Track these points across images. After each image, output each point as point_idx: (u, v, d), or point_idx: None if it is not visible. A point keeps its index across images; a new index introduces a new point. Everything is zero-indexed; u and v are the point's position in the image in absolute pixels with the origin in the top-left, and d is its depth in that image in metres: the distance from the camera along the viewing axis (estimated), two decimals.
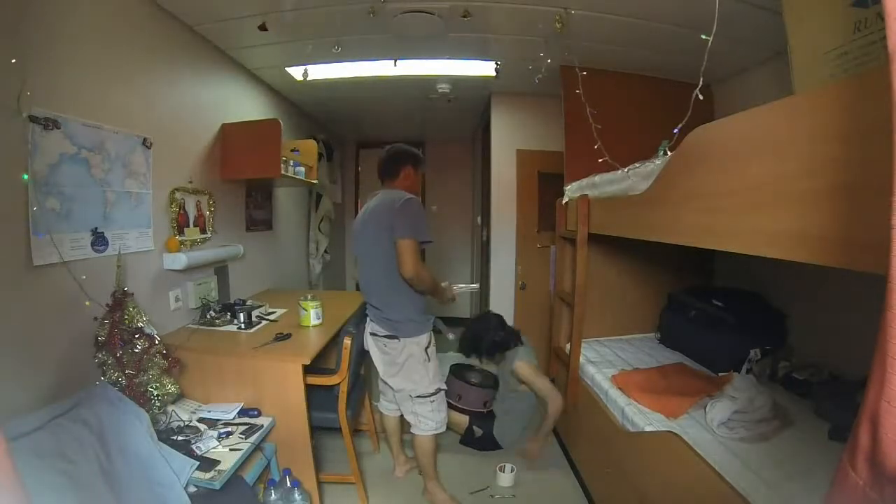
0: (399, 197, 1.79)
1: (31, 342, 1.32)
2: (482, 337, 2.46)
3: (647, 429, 1.59)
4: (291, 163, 2.63)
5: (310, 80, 2.79)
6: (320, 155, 3.53)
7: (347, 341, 1.86)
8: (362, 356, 2.12)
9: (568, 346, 2.34)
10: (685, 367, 2.04)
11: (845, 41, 1.12)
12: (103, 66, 1.59)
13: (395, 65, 2.56)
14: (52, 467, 1.12)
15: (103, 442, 1.27)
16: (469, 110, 3.79)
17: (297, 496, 1.69)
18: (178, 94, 2.06)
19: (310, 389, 1.79)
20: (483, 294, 4.02)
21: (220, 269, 2.42)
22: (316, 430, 1.87)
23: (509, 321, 3.46)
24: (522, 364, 2.37)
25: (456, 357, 4.00)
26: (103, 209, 1.59)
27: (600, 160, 1.84)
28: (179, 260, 1.93)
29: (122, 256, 1.59)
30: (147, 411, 1.44)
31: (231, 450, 1.52)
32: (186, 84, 2.13)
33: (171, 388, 1.57)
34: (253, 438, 1.60)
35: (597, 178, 2.00)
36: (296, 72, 2.75)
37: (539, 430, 2.37)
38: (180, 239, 2.02)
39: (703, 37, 1.27)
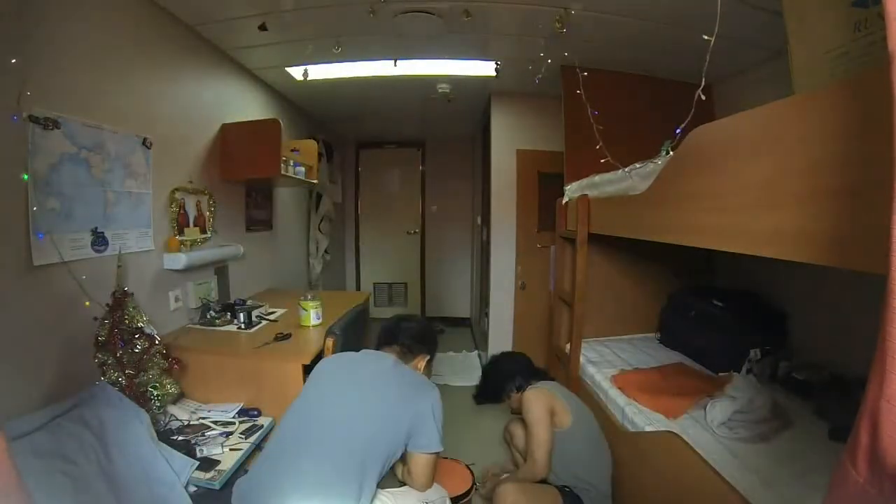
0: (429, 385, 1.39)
1: (32, 342, 1.32)
2: (501, 384, 1.94)
3: (647, 429, 1.59)
4: (291, 163, 2.63)
5: (310, 80, 2.79)
6: (320, 155, 3.53)
7: (329, 343, 1.81)
8: None
9: (568, 346, 2.34)
10: (685, 368, 2.05)
11: (845, 41, 1.12)
12: (103, 65, 1.59)
13: (395, 65, 2.56)
14: (52, 467, 1.12)
15: (103, 442, 1.27)
16: (469, 110, 3.79)
17: None
18: (178, 94, 2.06)
19: None
20: (483, 294, 4.02)
21: (220, 269, 2.42)
22: None
23: (509, 321, 3.49)
24: (533, 392, 1.76)
25: (453, 356, 4.03)
26: (103, 209, 1.59)
27: (602, 160, 1.84)
28: (179, 260, 1.93)
29: (122, 256, 1.59)
30: (147, 411, 1.44)
31: (231, 450, 1.52)
32: (186, 84, 2.13)
33: (171, 388, 1.58)
34: (253, 438, 1.60)
35: (597, 178, 2.01)
36: (296, 72, 2.75)
37: (501, 475, 1.91)
38: (180, 239, 2.03)
39: (705, 37, 1.28)
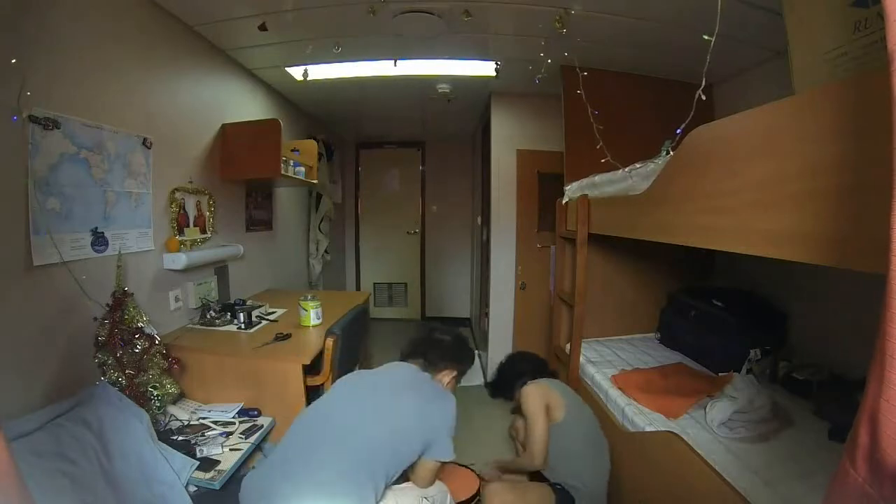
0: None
1: (31, 342, 1.32)
2: (513, 381, 2.01)
3: (647, 429, 1.59)
4: (291, 163, 2.63)
5: (310, 80, 2.79)
6: (320, 155, 3.53)
7: (329, 342, 1.82)
8: (353, 357, 2.08)
9: (568, 346, 2.34)
10: (685, 368, 2.05)
11: (845, 41, 1.12)
12: (103, 66, 1.59)
13: (395, 65, 2.55)
14: (53, 467, 1.12)
15: (103, 442, 1.27)
16: (469, 110, 3.79)
17: None
18: (178, 94, 2.06)
19: (310, 389, 1.78)
20: (483, 294, 4.02)
21: (220, 269, 2.42)
22: None
23: (509, 321, 3.49)
24: (530, 387, 1.82)
25: None
26: (103, 209, 1.59)
27: (602, 160, 1.84)
28: (179, 260, 1.93)
29: (122, 256, 1.59)
30: (147, 411, 1.45)
31: (231, 450, 1.52)
32: (186, 84, 2.13)
33: (171, 388, 1.58)
34: (253, 438, 1.60)
35: (597, 178, 2.01)
36: (296, 72, 2.75)
37: (503, 461, 1.99)
38: (180, 239, 2.02)
39: (706, 37, 1.27)
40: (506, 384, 2.04)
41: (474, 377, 3.62)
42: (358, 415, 1.29)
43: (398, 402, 1.33)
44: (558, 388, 1.83)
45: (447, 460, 1.36)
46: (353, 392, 1.38)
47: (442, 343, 1.53)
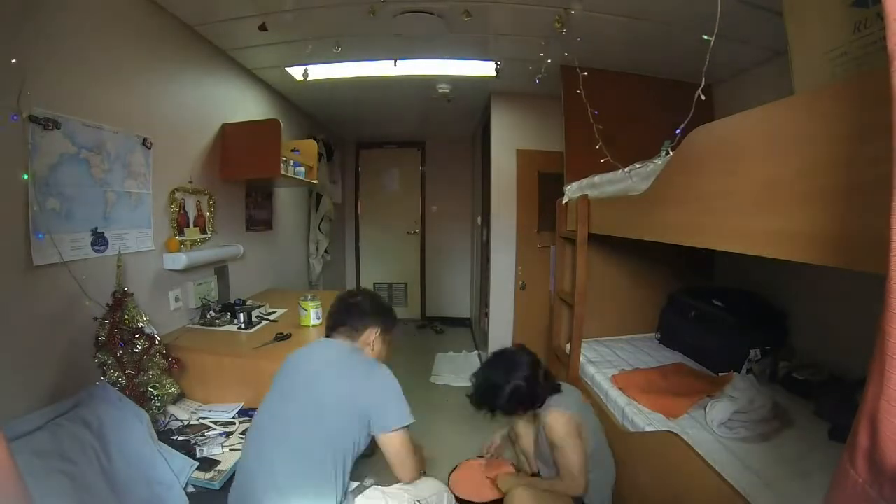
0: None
1: (31, 342, 1.32)
2: (500, 382, 1.60)
3: (647, 429, 1.59)
4: (291, 163, 2.63)
5: (310, 80, 2.79)
6: (320, 155, 3.53)
7: None
8: None
9: (568, 346, 2.34)
10: (685, 368, 2.05)
11: (845, 41, 1.12)
12: (103, 66, 1.59)
13: (395, 65, 2.56)
14: (52, 467, 1.12)
15: (103, 442, 1.27)
16: (469, 110, 3.79)
17: None
18: (178, 94, 2.06)
19: None
20: (483, 294, 4.02)
21: (220, 269, 2.42)
22: None
23: (509, 321, 3.49)
24: (556, 415, 1.57)
25: (453, 356, 4.03)
26: (103, 209, 1.59)
27: (602, 160, 1.84)
28: (179, 260, 1.93)
29: (122, 256, 1.60)
30: (147, 411, 1.45)
31: (231, 450, 1.52)
32: (186, 84, 2.13)
33: (171, 389, 1.58)
34: None
35: (597, 178, 2.01)
36: (296, 72, 2.75)
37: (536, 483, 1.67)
38: (180, 239, 2.03)
39: (705, 38, 1.28)
40: (494, 393, 1.61)
41: None
42: (302, 405, 1.23)
43: (335, 382, 1.26)
44: (581, 414, 1.64)
45: (406, 425, 1.24)
46: (293, 381, 1.31)
47: (357, 304, 1.45)
